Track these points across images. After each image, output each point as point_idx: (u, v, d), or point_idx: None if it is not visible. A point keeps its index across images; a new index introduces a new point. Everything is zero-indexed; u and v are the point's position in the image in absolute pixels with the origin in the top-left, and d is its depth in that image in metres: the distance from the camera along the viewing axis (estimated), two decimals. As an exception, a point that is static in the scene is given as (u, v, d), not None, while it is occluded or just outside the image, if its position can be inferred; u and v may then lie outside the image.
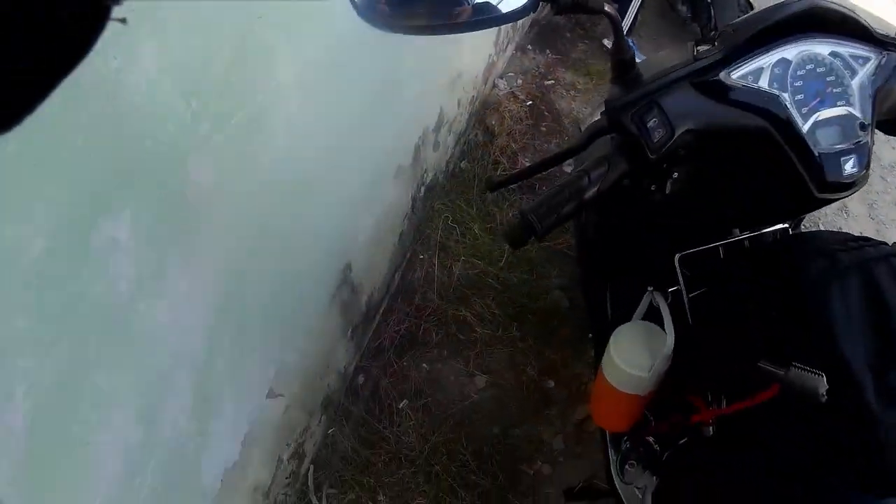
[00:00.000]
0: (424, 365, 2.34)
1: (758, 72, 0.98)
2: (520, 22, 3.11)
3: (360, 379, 2.30)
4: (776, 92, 0.98)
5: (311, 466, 2.09)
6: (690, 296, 1.23)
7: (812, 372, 0.90)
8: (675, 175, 1.06)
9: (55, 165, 0.84)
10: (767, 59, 0.98)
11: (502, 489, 2.03)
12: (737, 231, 1.20)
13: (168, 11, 0.92)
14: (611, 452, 1.55)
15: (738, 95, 0.97)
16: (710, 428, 1.18)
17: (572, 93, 3.15)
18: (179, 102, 1.04)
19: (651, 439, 1.40)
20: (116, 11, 0.30)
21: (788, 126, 0.97)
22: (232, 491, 1.62)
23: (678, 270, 1.21)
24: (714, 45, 1.00)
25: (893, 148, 3.31)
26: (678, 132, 0.94)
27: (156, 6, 0.89)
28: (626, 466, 1.41)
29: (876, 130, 1.04)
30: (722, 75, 0.97)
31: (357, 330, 2.23)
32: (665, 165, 1.04)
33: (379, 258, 2.27)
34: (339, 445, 2.13)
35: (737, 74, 0.98)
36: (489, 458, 2.09)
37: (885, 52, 1.01)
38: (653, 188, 1.08)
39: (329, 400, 2.11)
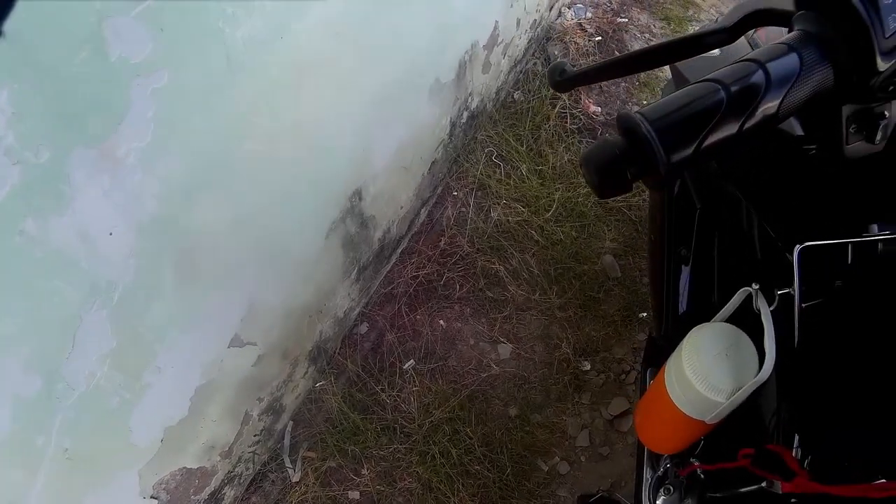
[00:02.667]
0: (441, 322, 1.97)
1: None
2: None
3: (363, 329, 1.95)
4: None
5: (291, 423, 1.77)
6: (804, 305, 0.84)
7: None
8: (886, 117, 0.65)
9: None
10: None
11: (507, 485, 1.69)
12: (875, 227, 0.81)
13: None
14: (646, 470, 1.25)
15: None
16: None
17: (647, 36, 2.64)
18: None
19: (698, 467, 1.06)
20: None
21: None
22: (177, 450, 1.33)
23: (795, 267, 0.83)
24: None
25: None
26: None
27: None
28: (661, 491, 1.13)
29: None
30: None
31: (366, 271, 1.87)
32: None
33: (402, 188, 1.88)
34: (325, 404, 1.80)
35: None
36: (499, 446, 1.74)
37: None
38: (853, 132, 0.66)
39: (320, 350, 1.78)
